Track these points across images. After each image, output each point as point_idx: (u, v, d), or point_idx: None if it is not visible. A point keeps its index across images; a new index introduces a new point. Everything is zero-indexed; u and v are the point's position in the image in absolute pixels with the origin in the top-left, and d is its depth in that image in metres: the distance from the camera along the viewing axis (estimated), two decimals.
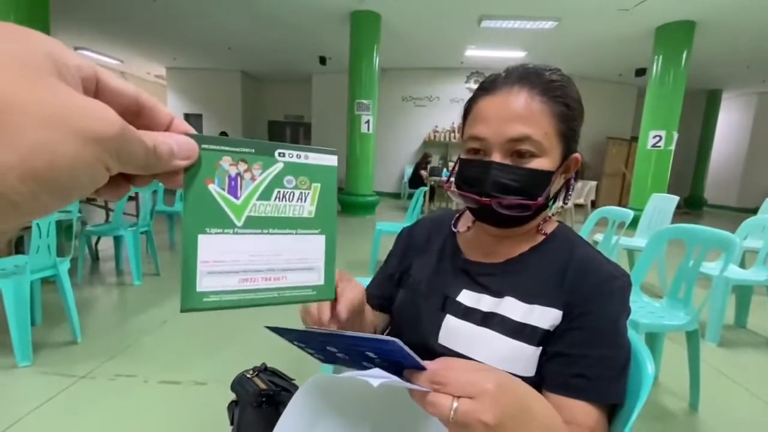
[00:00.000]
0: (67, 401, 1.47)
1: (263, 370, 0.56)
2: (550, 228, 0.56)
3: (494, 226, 0.55)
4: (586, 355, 0.45)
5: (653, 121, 5.75)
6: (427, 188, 3.57)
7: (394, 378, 0.31)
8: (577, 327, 0.47)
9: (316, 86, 9.65)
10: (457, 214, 0.64)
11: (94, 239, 3.25)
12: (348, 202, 6.33)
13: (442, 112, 8.92)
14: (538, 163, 0.49)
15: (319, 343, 0.37)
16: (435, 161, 8.47)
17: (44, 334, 1.92)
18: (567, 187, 0.56)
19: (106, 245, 3.37)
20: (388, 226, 3.42)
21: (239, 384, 0.55)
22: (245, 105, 10.12)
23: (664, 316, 1.57)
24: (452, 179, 0.57)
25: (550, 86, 0.50)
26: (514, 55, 7.30)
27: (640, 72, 7.13)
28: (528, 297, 0.50)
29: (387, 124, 8.58)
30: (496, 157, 0.50)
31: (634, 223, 2.77)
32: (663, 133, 5.62)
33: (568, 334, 0.47)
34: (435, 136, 8.90)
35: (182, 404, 1.49)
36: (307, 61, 8.35)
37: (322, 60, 8.08)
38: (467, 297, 0.54)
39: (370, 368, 0.32)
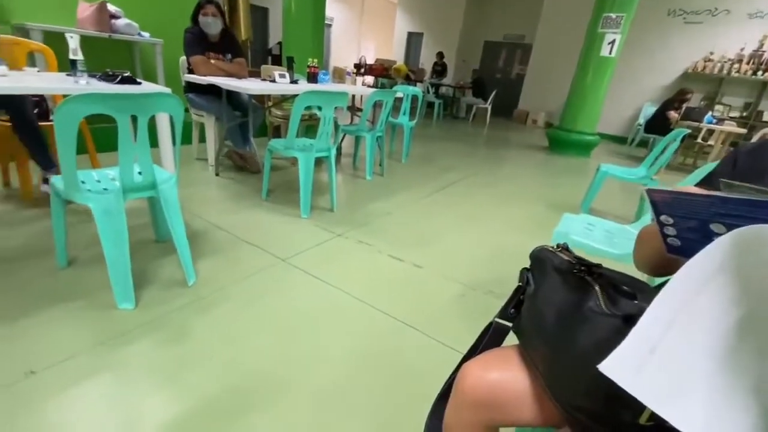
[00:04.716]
0: (331, 247, 2.01)
1: (566, 248, 0.61)
2: None
3: None
4: None
5: None
6: (687, 132, 2.80)
7: None
8: None
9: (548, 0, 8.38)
10: None
11: (340, 136, 4.02)
12: (560, 138, 5.61)
13: (727, 32, 6.46)
14: None
15: (709, 215, 0.33)
16: (695, 101, 6.45)
17: (313, 200, 2.60)
18: None
19: (346, 143, 4.12)
20: (618, 170, 2.94)
21: (541, 252, 0.62)
22: (465, 25, 9.79)
23: None
24: None
25: None
26: None
27: None
28: None
29: (635, 47, 6.86)
30: None
31: None
32: None
33: None
34: (704, 67, 6.63)
35: (403, 276, 1.83)
36: None
37: None
38: None
39: None
